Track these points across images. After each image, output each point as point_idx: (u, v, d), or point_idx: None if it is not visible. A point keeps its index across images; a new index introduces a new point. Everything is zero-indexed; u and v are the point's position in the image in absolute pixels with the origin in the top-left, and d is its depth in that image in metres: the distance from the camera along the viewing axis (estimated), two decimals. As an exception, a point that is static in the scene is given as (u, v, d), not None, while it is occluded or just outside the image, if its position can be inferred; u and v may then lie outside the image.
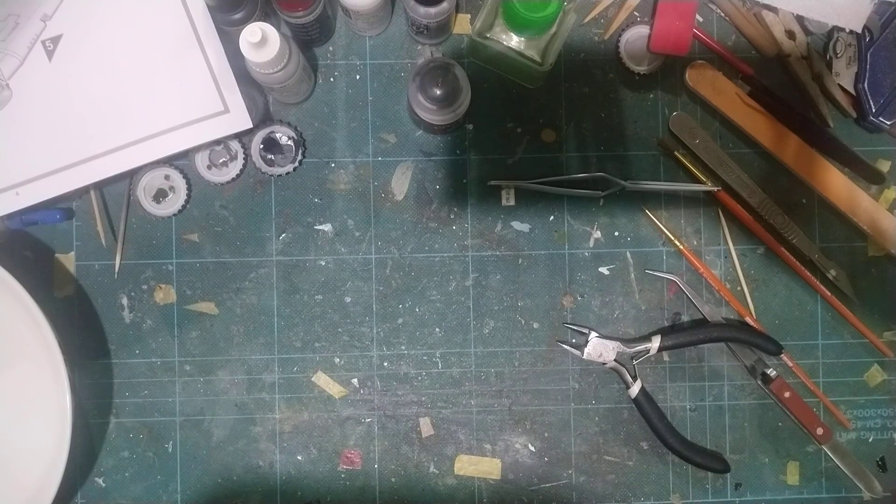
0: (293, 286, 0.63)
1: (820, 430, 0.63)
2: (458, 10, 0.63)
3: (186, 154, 0.61)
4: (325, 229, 0.63)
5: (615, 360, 0.62)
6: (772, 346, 0.62)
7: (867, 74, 0.62)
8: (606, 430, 0.64)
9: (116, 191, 0.63)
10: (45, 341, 0.56)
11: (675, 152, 0.64)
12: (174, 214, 0.62)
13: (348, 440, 0.63)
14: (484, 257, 0.64)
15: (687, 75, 0.63)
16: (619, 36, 0.63)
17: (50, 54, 0.59)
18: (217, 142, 0.61)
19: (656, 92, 0.64)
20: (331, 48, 0.63)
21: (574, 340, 0.64)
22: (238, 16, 0.56)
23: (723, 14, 0.64)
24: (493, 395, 0.64)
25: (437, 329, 0.64)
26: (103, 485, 0.62)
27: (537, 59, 0.59)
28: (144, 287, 0.63)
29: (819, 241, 0.65)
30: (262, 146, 0.62)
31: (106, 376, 0.62)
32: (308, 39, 0.61)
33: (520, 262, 0.64)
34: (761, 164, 0.65)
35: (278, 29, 0.53)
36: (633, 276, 0.64)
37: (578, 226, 0.64)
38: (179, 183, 0.62)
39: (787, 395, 0.63)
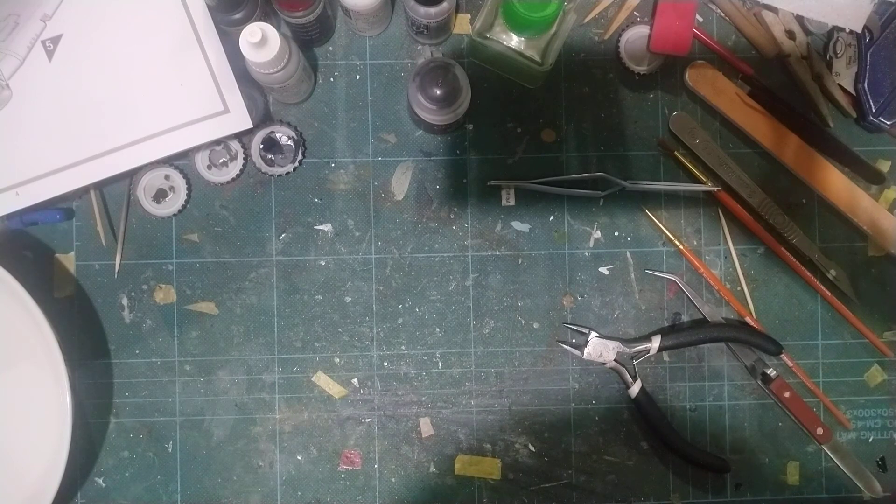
0: (293, 286, 0.63)
1: (820, 430, 0.63)
2: (458, 10, 0.63)
3: (186, 154, 0.61)
4: (325, 229, 0.63)
5: (615, 360, 0.62)
6: (772, 346, 0.62)
7: (867, 74, 0.62)
8: (606, 430, 0.64)
9: (116, 191, 0.63)
10: (45, 341, 0.56)
11: (675, 152, 0.64)
12: (174, 214, 0.62)
13: (348, 440, 0.63)
14: (484, 257, 0.64)
15: (687, 75, 0.63)
16: (619, 36, 0.63)
17: (50, 54, 0.59)
18: (217, 142, 0.61)
19: (656, 92, 0.64)
20: (331, 48, 0.63)
21: (574, 340, 0.64)
22: (238, 16, 0.56)
23: (723, 14, 0.64)
24: (493, 395, 0.64)
25: (437, 329, 0.64)
26: (103, 485, 0.62)
27: (537, 59, 0.59)
28: (144, 287, 0.63)
29: (819, 241, 0.65)
30: (262, 146, 0.62)
31: (106, 376, 0.62)
32: (308, 39, 0.61)
33: (520, 262, 0.64)
34: (761, 164, 0.64)
35: (278, 29, 0.53)
36: (633, 276, 0.64)
37: (578, 226, 0.64)
38: (179, 183, 0.62)
39: (787, 395, 0.63)
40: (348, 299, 0.63)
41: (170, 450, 0.63)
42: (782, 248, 0.64)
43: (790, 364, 0.64)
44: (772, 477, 0.65)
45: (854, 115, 0.64)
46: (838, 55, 0.63)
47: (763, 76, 0.64)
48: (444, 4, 0.56)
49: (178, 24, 0.58)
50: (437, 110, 0.56)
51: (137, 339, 0.63)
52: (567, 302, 0.64)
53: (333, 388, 0.63)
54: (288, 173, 0.62)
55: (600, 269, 0.64)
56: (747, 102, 0.63)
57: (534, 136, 0.64)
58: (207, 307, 0.63)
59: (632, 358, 0.63)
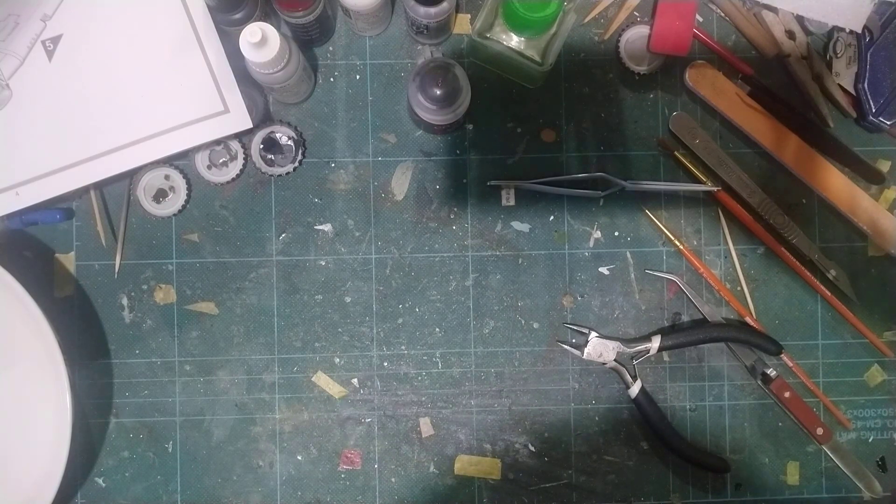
0: (293, 286, 0.63)
1: (820, 430, 0.63)
2: (458, 10, 0.63)
3: (186, 154, 0.61)
4: (325, 229, 0.63)
5: (615, 360, 0.62)
6: (772, 346, 0.62)
7: (867, 74, 0.62)
8: (606, 430, 0.64)
9: (116, 191, 0.63)
10: (45, 341, 0.56)
11: (675, 152, 0.64)
12: (174, 214, 0.62)
13: (348, 440, 0.63)
14: (484, 257, 0.64)
15: (687, 75, 0.63)
16: (619, 36, 0.63)
17: (50, 54, 0.59)
18: (217, 142, 0.61)
19: (656, 92, 0.64)
20: (331, 48, 0.63)
21: (574, 340, 0.64)
22: (238, 16, 0.56)
23: (723, 14, 0.64)
24: (493, 395, 0.64)
25: (437, 329, 0.64)
26: (103, 485, 0.62)
27: (537, 59, 0.59)
28: (144, 287, 0.63)
29: (819, 241, 0.65)
30: (262, 146, 0.62)
31: (106, 376, 0.62)
32: (308, 39, 0.61)
33: (520, 262, 0.64)
34: (761, 164, 0.65)
35: (278, 29, 0.53)
36: (633, 276, 0.64)
37: (578, 226, 0.64)
38: (179, 183, 0.62)
39: (787, 395, 0.63)
40: (348, 299, 0.63)
41: (170, 450, 0.63)
42: (782, 248, 0.64)
43: (790, 364, 0.64)
44: (772, 477, 0.65)
45: (854, 115, 0.64)
46: (838, 55, 0.63)
47: (763, 76, 0.64)
48: (444, 4, 0.56)
49: (178, 24, 0.58)
50: (437, 110, 0.56)
51: (137, 339, 0.63)
52: (567, 302, 0.64)
53: (333, 388, 0.63)
54: (288, 173, 0.62)
55: (600, 269, 0.64)
56: (747, 102, 0.63)
57: (534, 136, 0.64)
58: (207, 307, 0.63)
59: (632, 358, 0.63)
